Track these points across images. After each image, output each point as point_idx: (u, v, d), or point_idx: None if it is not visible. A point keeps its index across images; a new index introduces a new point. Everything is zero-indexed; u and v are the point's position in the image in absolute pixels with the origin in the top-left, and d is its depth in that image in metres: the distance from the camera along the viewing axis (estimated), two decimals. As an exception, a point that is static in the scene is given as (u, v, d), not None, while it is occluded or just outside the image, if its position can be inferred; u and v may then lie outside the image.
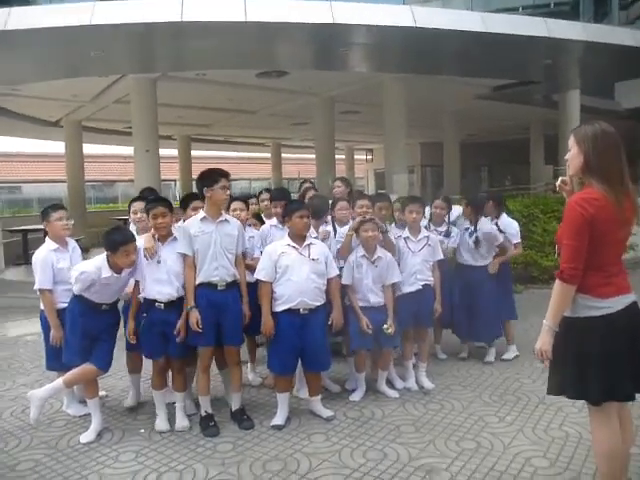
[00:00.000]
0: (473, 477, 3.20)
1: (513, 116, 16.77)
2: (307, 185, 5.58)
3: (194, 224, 3.87)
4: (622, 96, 17.28)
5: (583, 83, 13.22)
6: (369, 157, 29.84)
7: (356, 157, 29.06)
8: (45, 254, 4.08)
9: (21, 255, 11.69)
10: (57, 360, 4.10)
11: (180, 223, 4.06)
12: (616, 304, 2.58)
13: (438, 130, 17.37)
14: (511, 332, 5.34)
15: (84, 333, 3.80)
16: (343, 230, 4.62)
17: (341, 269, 4.39)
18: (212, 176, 3.85)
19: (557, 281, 2.59)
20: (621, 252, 2.75)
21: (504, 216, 5.38)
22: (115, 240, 3.69)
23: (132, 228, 4.38)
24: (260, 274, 3.94)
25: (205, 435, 3.81)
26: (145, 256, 3.84)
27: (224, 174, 3.89)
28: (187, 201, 4.36)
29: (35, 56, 8.38)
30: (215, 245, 3.83)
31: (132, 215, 4.35)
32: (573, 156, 2.65)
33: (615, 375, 2.57)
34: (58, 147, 18.39)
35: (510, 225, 5.36)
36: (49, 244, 4.13)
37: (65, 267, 4.07)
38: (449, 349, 5.49)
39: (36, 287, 4.07)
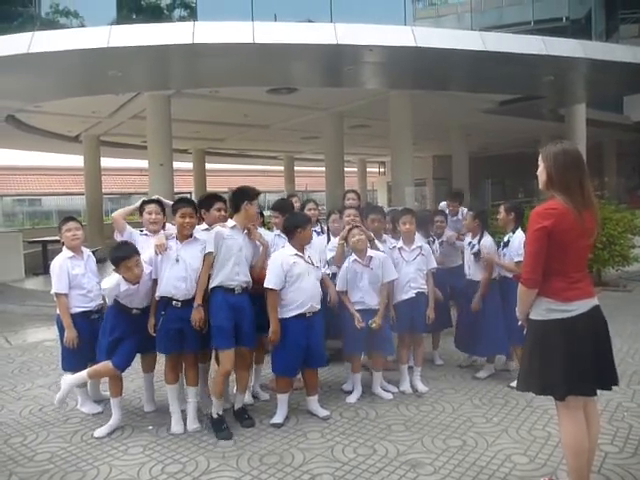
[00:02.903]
0: (455, 471, 3.42)
1: (522, 130, 16.95)
2: (295, 199, 5.99)
3: (225, 230, 4.14)
4: (631, 109, 17.44)
5: (590, 97, 13.37)
6: (382, 170, 30.08)
7: (369, 170, 29.34)
8: (61, 261, 4.40)
9: (41, 265, 12.09)
10: (71, 361, 4.43)
11: (204, 225, 4.34)
12: (579, 307, 2.83)
13: (449, 143, 17.59)
14: None
15: (112, 333, 4.11)
16: (334, 240, 4.93)
17: (335, 275, 4.68)
18: (252, 193, 4.22)
19: (520, 285, 2.90)
20: (585, 259, 2.99)
21: (519, 230, 5.01)
22: (116, 256, 4.00)
23: (135, 236, 4.55)
24: (271, 283, 4.11)
25: (219, 438, 3.96)
26: (156, 252, 4.10)
27: (259, 193, 4.30)
28: (211, 202, 4.49)
29: (56, 76, 8.81)
30: (240, 252, 4.13)
31: (146, 215, 4.51)
32: (540, 172, 2.93)
33: (578, 372, 2.80)
34: (77, 161, 18.92)
35: (518, 240, 4.85)
36: (65, 252, 4.46)
37: (80, 273, 4.40)
38: (448, 357, 5.69)
39: (53, 291, 4.39)
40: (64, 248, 4.51)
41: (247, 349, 4.24)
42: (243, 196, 4.18)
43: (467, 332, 5.25)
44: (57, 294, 4.36)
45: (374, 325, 4.49)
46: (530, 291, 2.85)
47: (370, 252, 4.62)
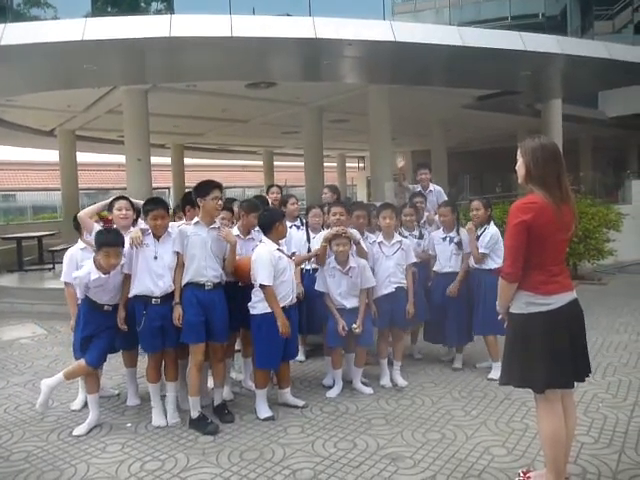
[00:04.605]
0: (434, 464, 3.45)
1: (499, 125, 17.07)
2: (274, 189, 5.96)
3: (189, 227, 4.17)
4: (606, 105, 17.70)
5: (566, 93, 13.51)
6: (361, 165, 30.12)
7: (348, 165, 29.33)
8: (73, 252, 4.49)
9: (15, 262, 11.88)
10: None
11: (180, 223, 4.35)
12: (558, 301, 2.86)
13: (428, 138, 17.64)
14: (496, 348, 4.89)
15: (84, 330, 4.09)
16: (318, 237, 4.91)
17: (316, 270, 4.72)
18: (205, 188, 4.15)
19: (500, 279, 2.92)
20: (563, 253, 3.03)
21: (492, 224, 5.12)
22: (100, 240, 3.98)
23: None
24: (266, 279, 4.09)
25: (206, 433, 3.94)
26: (131, 245, 4.08)
27: (217, 185, 4.19)
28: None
29: (29, 69, 8.62)
30: (206, 247, 4.12)
31: (116, 212, 4.50)
32: (519, 166, 2.95)
33: (557, 365, 2.84)
34: (52, 156, 18.59)
35: (490, 235, 5.00)
36: (79, 244, 4.53)
37: None
38: (428, 351, 5.72)
39: (61, 280, 4.49)
40: (79, 240, 4.56)
41: (219, 344, 4.24)
42: (196, 193, 4.18)
43: (436, 324, 5.32)
44: (65, 283, 4.43)
45: (357, 330, 4.55)
46: (511, 285, 2.88)
47: (351, 262, 4.61)
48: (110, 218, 4.62)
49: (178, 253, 4.13)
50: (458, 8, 20.01)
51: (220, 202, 4.20)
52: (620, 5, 20.96)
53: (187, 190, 4.95)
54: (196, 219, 4.21)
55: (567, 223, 2.89)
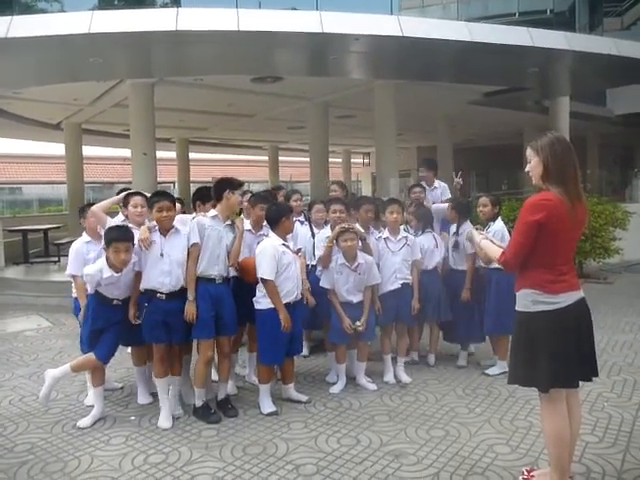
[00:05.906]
0: (438, 461, 3.44)
1: (506, 121, 16.97)
2: (282, 192, 5.97)
3: (206, 220, 4.16)
4: (614, 103, 17.57)
5: (574, 90, 13.43)
6: (366, 161, 30.05)
7: (353, 161, 29.27)
8: (79, 245, 4.53)
9: (21, 254, 11.91)
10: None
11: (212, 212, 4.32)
12: (566, 300, 2.83)
13: (433, 134, 17.57)
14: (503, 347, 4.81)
15: (93, 324, 4.08)
16: (321, 234, 4.90)
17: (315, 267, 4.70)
18: (236, 183, 4.25)
19: (497, 259, 2.97)
20: (572, 252, 3.00)
21: (498, 220, 4.98)
22: (109, 236, 3.97)
23: (118, 219, 4.62)
24: (266, 273, 4.10)
25: (209, 422, 4.02)
26: (140, 247, 4.06)
27: (242, 184, 4.32)
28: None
29: (36, 62, 8.63)
30: (221, 242, 4.13)
31: (132, 209, 4.44)
32: (534, 166, 2.89)
33: (562, 365, 2.82)
34: (58, 149, 18.61)
35: (493, 232, 4.78)
36: (84, 237, 4.57)
37: (93, 258, 4.41)
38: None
39: (67, 272, 4.52)
40: (84, 233, 4.62)
41: (226, 338, 4.24)
42: (225, 185, 4.19)
43: (447, 322, 5.25)
44: (73, 276, 4.47)
45: (361, 328, 4.54)
46: (501, 266, 2.98)
47: (359, 257, 4.58)
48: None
49: (194, 244, 4.08)
50: (465, 3, 19.84)
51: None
52: (629, 2, 20.77)
53: (200, 186, 4.96)
54: (214, 212, 4.20)
55: (580, 221, 2.87)
